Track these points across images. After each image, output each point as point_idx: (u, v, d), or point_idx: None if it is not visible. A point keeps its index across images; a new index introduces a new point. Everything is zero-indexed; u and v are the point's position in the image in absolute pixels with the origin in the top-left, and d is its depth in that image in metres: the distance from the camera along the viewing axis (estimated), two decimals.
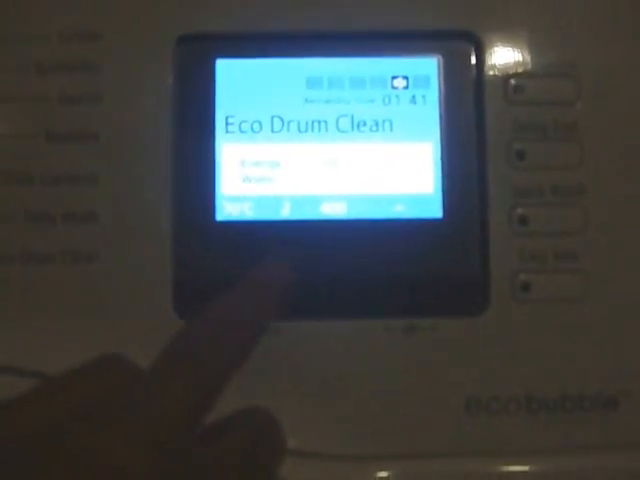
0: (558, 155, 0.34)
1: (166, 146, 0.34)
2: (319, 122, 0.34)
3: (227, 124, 0.34)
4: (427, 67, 0.35)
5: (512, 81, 0.34)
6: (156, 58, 0.34)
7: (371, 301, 0.34)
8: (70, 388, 0.24)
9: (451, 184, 0.34)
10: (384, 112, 0.35)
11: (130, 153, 0.34)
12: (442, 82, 0.35)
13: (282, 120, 0.34)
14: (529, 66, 0.35)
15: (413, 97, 0.35)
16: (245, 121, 0.34)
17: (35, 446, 0.21)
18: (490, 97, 0.34)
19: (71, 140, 0.34)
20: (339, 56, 0.35)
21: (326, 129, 0.34)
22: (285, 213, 0.34)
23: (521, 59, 0.35)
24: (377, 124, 0.34)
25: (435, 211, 0.34)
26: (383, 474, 0.33)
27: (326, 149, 0.34)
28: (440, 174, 0.34)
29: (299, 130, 0.34)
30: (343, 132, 0.34)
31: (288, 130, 0.34)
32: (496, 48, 0.35)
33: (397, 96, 0.35)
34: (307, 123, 0.34)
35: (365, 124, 0.34)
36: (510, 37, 0.35)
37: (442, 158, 0.34)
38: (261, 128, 0.34)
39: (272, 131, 0.34)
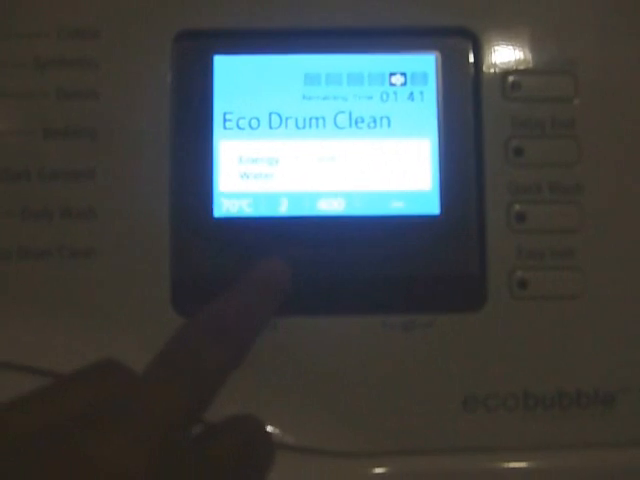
0: (556, 152, 0.34)
1: (164, 143, 0.34)
2: (317, 119, 0.34)
3: (225, 121, 0.34)
4: (425, 64, 0.35)
5: (510, 78, 0.34)
6: (154, 54, 0.34)
7: (369, 297, 0.34)
8: (67, 392, 0.24)
9: (449, 181, 0.34)
10: (382, 109, 0.35)
11: (128, 149, 0.34)
12: (440, 79, 0.35)
13: (280, 117, 0.34)
14: (527, 63, 0.35)
15: (411, 94, 0.35)
16: (243, 118, 0.34)
17: (32, 449, 0.22)
18: (488, 94, 0.34)
19: (69, 136, 0.34)
20: (337, 53, 0.35)
21: (324, 126, 0.34)
22: (283, 210, 0.34)
23: (519, 56, 0.35)
24: (375, 121, 0.34)
25: (433, 208, 0.34)
26: (380, 470, 0.33)
27: (324, 146, 0.34)
28: (438, 171, 0.34)
29: (297, 127, 0.34)
30: (341, 129, 0.34)
31: (286, 127, 0.34)
32: (494, 45, 0.35)
33: (395, 93, 0.35)
34: (305, 120, 0.34)
35: (363, 121, 0.34)
36: (508, 34, 0.35)
37: (440, 155, 0.34)
38: (259, 125, 0.34)
39: (270, 128, 0.34)
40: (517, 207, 0.34)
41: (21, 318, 0.33)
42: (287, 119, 0.34)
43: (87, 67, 0.34)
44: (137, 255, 0.33)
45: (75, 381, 0.25)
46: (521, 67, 0.35)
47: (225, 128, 0.34)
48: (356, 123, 0.34)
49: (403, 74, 0.35)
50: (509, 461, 0.33)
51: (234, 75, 0.35)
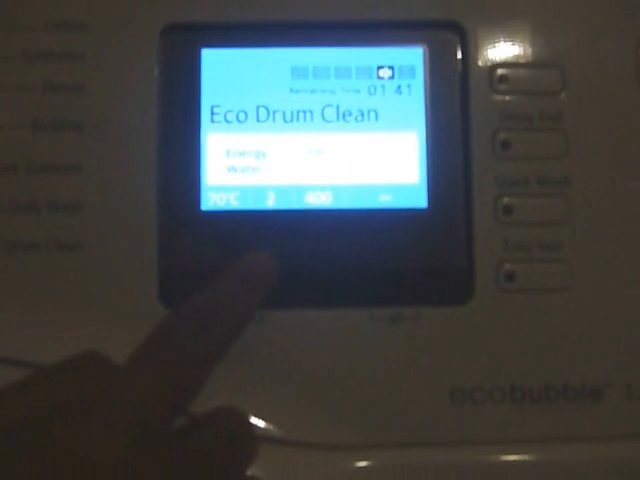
0: (543, 145, 0.34)
1: (151, 136, 0.34)
2: (304, 112, 0.34)
3: (212, 114, 0.34)
4: (412, 57, 0.35)
5: (497, 71, 0.34)
6: (142, 47, 0.34)
7: (356, 290, 0.34)
8: (46, 383, 0.24)
9: (436, 174, 0.34)
10: (369, 102, 0.35)
11: (115, 142, 0.34)
12: (427, 72, 0.35)
13: (267, 110, 0.34)
14: (514, 56, 0.35)
15: (398, 87, 0.35)
16: (230, 111, 0.34)
17: (8, 439, 0.22)
18: (475, 87, 0.34)
19: (56, 129, 0.33)
20: (324, 46, 0.35)
21: (311, 119, 0.34)
22: (270, 203, 0.34)
23: (507, 49, 0.35)
24: (362, 114, 0.34)
25: (420, 201, 0.34)
26: (366, 463, 0.33)
27: (311, 139, 0.34)
28: (425, 164, 0.34)
29: (284, 120, 0.34)
30: (328, 122, 0.34)
31: (273, 120, 0.34)
32: (482, 38, 0.35)
33: (382, 86, 0.35)
34: (292, 113, 0.34)
35: (350, 114, 0.34)
36: (496, 27, 0.35)
37: (427, 148, 0.34)
38: (246, 118, 0.34)
39: (257, 121, 0.34)
40: (504, 200, 0.34)
41: (7, 311, 0.33)
42: (275, 112, 0.34)
43: (74, 60, 0.34)
44: (124, 248, 0.33)
45: (55, 372, 0.25)
46: (509, 60, 0.35)
47: (212, 121, 0.34)
48: (344, 116, 0.34)
49: (391, 67, 0.35)
50: (496, 454, 0.33)
51: (222, 68, 0.35)
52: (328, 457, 0.33)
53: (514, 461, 0.33)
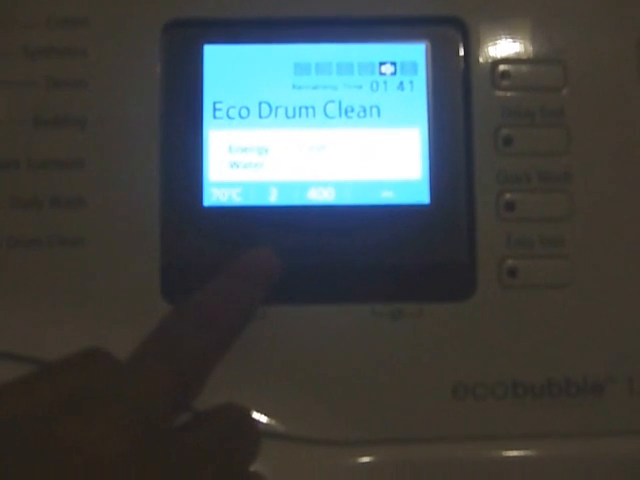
0: (545, 141, 0.34)
1: (154, 132, 0.34)
2: (307, 108, 0.34)
3: (215, 110, 0.34)
4: (415, 53, 0.35)
5: (499, 67, 0.34)
6: (144, 44, 0.34)
7: (358, 286, 0.34)
8: (50, 380, 0.24)
9: (438, 170, 0.34)
10: (372, 98, 0.35)
11: (117, 138, 0.34)
12: (430, 68, 0.35)
13: (270, 106, 0.34)
14: (517, 52, 0.35)
15: (401, 83, 0.35)
16: (233, 107, 0.34)
17: (12, 435, 0.22)
18: (477, 83, 0.34)
19: (58, 125, 0.33)
20: (327, 42, 0.35)
21: (314, 115, 0.34)
22: (273, 199, 0.34)
23: (509, 45, 0.35)
24: (365, 110, 0.34)
25: (422, 197, 0.34)
26: (369, 459, 0.33)
27: (314, 135, 0.34)
28: (427, 160, 0.34)
29: (287, 116, 0.34)
30: (331, 118, 0.34)
31: (276, 116, 0.34)
32: (484, 34, 0.35)
33: (385, 82, 0.35)
34: (295, 109, 0.34)
35: (353, 110, 0.35)
36: (497, 23, 0.35)
37: (430, 144, 0.34)
38: (249, 114, 0.34)
39: (260, 117, 0.34)
40: (506, 196, 0.34)
41: (9, 306, 0.33)
42: (277, 108, 0.34)
43: (76, 56, 0.34)
44: (127, 244, 0.33)
45: (59, 369, 0.25)
46: (511, 57, 0.35)
47: (215, 117, 0.34)
48: (346, 112, 0.35)
49: (393, 63, 0.35)
50: (498, 449, 0.33)
51: (224, 64, 0.35)
52: (330, 453, 0.33)
53: (516, 456, 0.33)
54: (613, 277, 0.34)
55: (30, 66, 0.34)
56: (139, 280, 0.33)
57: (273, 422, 0.33)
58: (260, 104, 0.34)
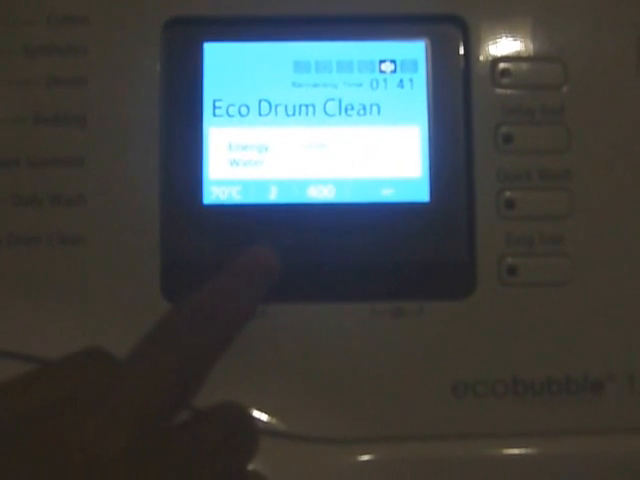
0: (545, 139, 0.34)
1: (153, 130, 0.34)
2: (307, 106, 0.34)
3: (214, 108, 0.34)
4: (415, 51, 0.35)
5: (500, 65, 0.34)
6: (144, 42, 0.34)
7: (358, 284, 0.34)
8: (48, 379, 0.24)
9: (438, 168, 0.34)
10: (372, 96, 0.35)
11: (117, 136, 0.34)
12: (430, 66, 0.35)
13: (270, 104, 0.34)
14: (517, 50, 0.35)
15: (401, 81, 0.35)
16: (233, 105, 0.34)
17: (9, 433, 0.22)
18: (478, 81, 0.34)
19: (58, 123, 0.33)
20: (327, 40, 0.35)
21: (314, 113, 0.34)
22: (273, 197, 0.34)
23: (509, 43, 0.35)
24: (365, 108, 0.34)
25: (422, 195, 0.34)
26: (369, 457, 0.33)
27: (314, 133, 0.34)
28: (428, 158, 0.34)
29: (287, 114, 0.34)
30: (331, 116, 0.34)
31: (276, 114, 0.34)
32: (484, 32, 0.35)
33: (385, 80, 0.35)
34: (295, 107, 0.34)
35: (353, 108, 0.34)
36: (498, 21, 0.35)
37: (430, 142, 0.34)
38: (249, 112, 0.34)
39: (260, 115, 0.34)
40: (506, 194, 0.34)
41: (10, 304, 0.33)
42: (277, 106, 0.34)
43: (77, 54, 0.34)
44: (126, 242, 0.33)
45: (58, 368, 0.25)
46: (511, 54, 0.35)
47: (215, 115, 0.34)
48: (346, 110, 0.34)
49: (393, 61, 0.35)
50: (498, 447, 0.33)
51: (224, 62, 0.35)
52: (330, 451, 0.33)
53: (517, 454, 0.33)
54: (613, 275, 0.34)
55: (30, 64, 0.34)
56: (139, 278, 0.33)
57: (272, 420, 0.33)
58: (260, 102, 0.34)
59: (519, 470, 0.33)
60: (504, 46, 0.35)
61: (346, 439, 0.33)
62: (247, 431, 0.28)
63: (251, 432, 0.28)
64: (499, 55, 0.35)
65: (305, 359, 0.33)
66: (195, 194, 0.34)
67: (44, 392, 0.24)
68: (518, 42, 0.35)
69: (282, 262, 0.32)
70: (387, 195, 0.34)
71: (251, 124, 0.34)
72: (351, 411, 0.33)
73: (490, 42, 0.35)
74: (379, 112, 0.34)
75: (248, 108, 0.34)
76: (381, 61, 0.35)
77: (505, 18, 0.35)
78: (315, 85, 0.35)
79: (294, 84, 0.35)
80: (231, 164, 0.34)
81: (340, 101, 0.34)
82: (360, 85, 0.35)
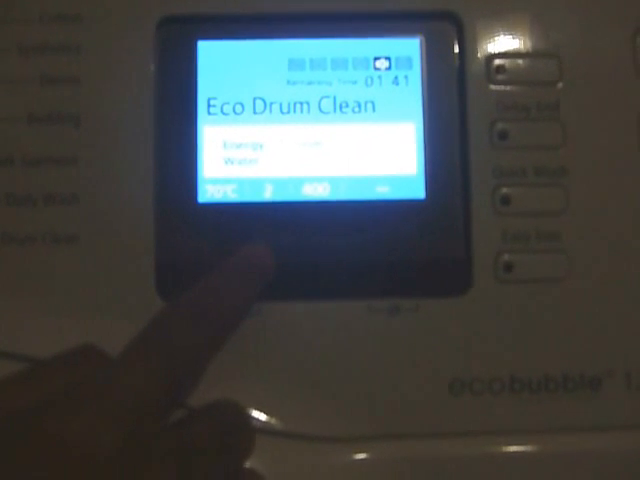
0: (541, 135, 0.34)
1: (148, 128, 0.34)
2: (301, 104, 0.34)
3: (209, 106, 0.34)
4: (409, 48, 0.35)
5: (495, 61, 0.34)
6: (137, 40, 0.34)
7: (354, 282, 0.34)
8: (41, 377, 0.24)
9: (434, 165, 0.34)
10: (366, 93, 0.34)
11: (111, 135, 0.34)
12: (424, 63, 0.35)
13: (264, 102, 0.34)
14: (512, 46, 0.34)
15: (395, 78, 0.35)
16: (227, 103, 0.34)
17: (3, 431, 0.22)
18: (473, 77, 0.34)
19: (52, 122, 0.33)
20: (321, 37, 0.35)
21: (308, 110, 0.34)
22: (268, 195, 0.34)
23: (504, 39, 0.35)
24: (359, 105, 0.34)
25: (418, 192, 0.34)
26: (365, 455, 0.33)
27: (308, 130, 0.34)
28: (423, 155, 0.34)
29: (281, 112, 0.34)
30: (325, 113, 0.34)
31: (270, 112, 0.34)
32: (479, 28, 0.35)
33: (379, 77, 0.35)
34: (289, 105, 0.34)
35: (347, 105, 0.34)
36: (492, 17, 0.35)
37: (425, 139, 0.34)
38: (243, 110, 0.34)
39: (254, 113, 0.34)
40: (502, 190, 0.34)
41: (4, 304, 0.33)
42: (271, 104, 0.34)
43: (70, 53, 0.34)
44: (121, 241, 0.33)
45: (50, 366, 0.25)
46: (506, 51, 0.34)
47: (209, 113, 0.34)
48: (341, 108, 0.34)
49: (387, 58, 0.35)
50: (495, 445, 0.33)
51: (218, 60, 0.34)
52: (326, 449, 0.33)
53: (514, 452, 0.33)
54: (609, 271, 0.34)
55: (23, 63, 0.34)
56: (134, 277, 0.33)
57: (268, 419, 0.33)
58: (254, 100, 0.34)
59: (517, 468, 0.33)
60: (499, 43, 0.35)
61: (342, 437, 0.33)
62: (244, 429, 0.28)
63: (248, 430, 0.28)
64: (494, 52, 0.34)
65: (301, 357, 0.33)
66: (190, 193, 0.34)
67: (37, 390, 0.23)
68: (513, 38, 0.35)
69: (277, 260, 0.32)
70: (382, 192, 0.34)
71: (246, 122, 0.34)
72: (347, 409, 0.33)
73: (485, 39, 0.35)
74: (374, 109, 0.34)
75: (243, 106, 0.34)
76: (376, 58, 0.35)
77: (500, 14, 0.35)
78: (310, 83, 0.34)
79: (289, 82, 0.34)
80: (226, 162, 0.34)
81: (335, 98, 0.34)
82: (355, 82, 0.34)
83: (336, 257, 0.34)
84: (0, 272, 0.33)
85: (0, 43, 0.34)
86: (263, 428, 0.32)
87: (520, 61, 0.34)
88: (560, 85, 0.34)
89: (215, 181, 0.34)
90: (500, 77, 0.34)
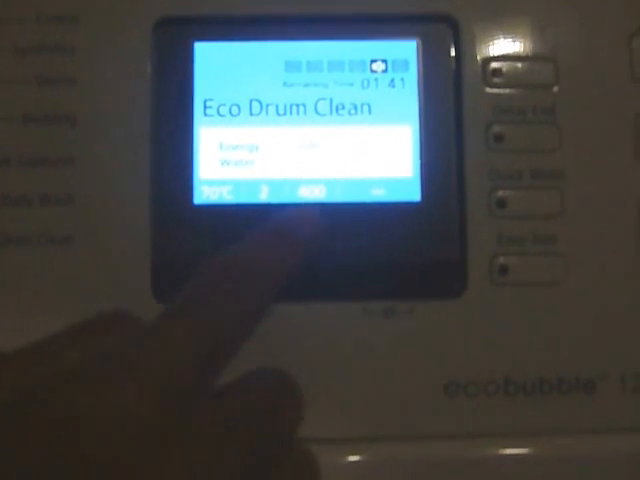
0: (537, 138, 0.34)
1: (144, 129, 0.34)
2: (298, 105, 0.34)
3: (205, 107, 0.34)
4: (406, 50, 0.35)
5: (491, 64, 0.34)
6: (134, 41, 0.34)
7: (350, 284, 0.34)
8: (63, 345, 0.22)
9: (430, 167, 0.34)
10: (363, 95, 0.34)
11: (107, 136, 0.34)
12: (421, 65, 0.35)
13: (261, 103, 0.34)
14: (508, 50, 0.35)
15: (392, 80, 0.35)
16: (223, 104, 0.34)
17: (34, 398, 0.20)
18: (469, 80, 0.34)
19: (48, 122, 0.33)
20: (318, 39, 0.35)
21: (305, 112, 0.34)
22: (263, 197, 0.34)
23: (500, 43, 0.35)
24: (356, 107, 0.34)
25: (414, 194, 0.34)
26: (360, 457, 0.33)
27: (305, 132, 0.34)
28: (419, 157, 0.34)
29: (278, 113, 0.34)
30: (322, 115, 0.34)
31: (267, 113, 0.34)
32: (475, 31, 0.35)
33: (376, 79, 0.35)
34: (286, 106, 0.34)
35: (344, 107, 0.34)
36: (489, 21, 0.35)
37: (421, 141, 0.34)
38: (239, 111, 0.34)
39: (250, 114, 0.34)
40: (498, 193, 0.34)
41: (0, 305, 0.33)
42: (268, 106, 0.34)
43: (66, 53, 0.34)
44: (117, 242, 0.33)
45: (74, 333, 0.23)
46: (502, 54, 0.35)
47: (205, 115, 0.34)
48: (337, 110, 0.34)
49: (384, 61, 0.35)
50: (490, 447, 0.33)
51: (214, 62, 0.34)
52: (320, 451, 0.33)
53: (508, 454, 0.33)
54: (605, 275, 0.34)
55: (20, 63, 0.33)
56: (129, 278, 0.33)
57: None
58: (251, 101, 0.34)
59: (511, 470, 0.33)
60: (495, 46, 0.35)
61: (336, 439, 0.33)
62: (291, 394, 0.25)
63: (295, 395, 0.25)
64: (490, 54, 0.34)
65: (295, 358, 0.33)
66: (186, 194, 0.34)
67: (56, 361, 0.21)
68: (510, 42, 0.35)
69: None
70: (378, 195, 0.34)
71: (242, 124, 0.34)
72: (342, 411, 0.33)
73: (481, 41, 0.35)
74: (370, 112, 0.34)
75: (239, 108, 0.34)
76: (372, 60, 0.35)
77: (497, 17, 0.35)
78: (306, 85, 0.34)
79: (285, 84, 0.34)
80: (222, 164, 0.34)
81: (331, 101, 0.34)
82: (351, 85, 0.34)
83: (331, 259, 0.34)
84: None
85: None
86: None
87: (516, 64, 0.34)
88: (556, 88, 0.34)
89: (211, 182, 0.34)
90: (496, 80, 0.34)
